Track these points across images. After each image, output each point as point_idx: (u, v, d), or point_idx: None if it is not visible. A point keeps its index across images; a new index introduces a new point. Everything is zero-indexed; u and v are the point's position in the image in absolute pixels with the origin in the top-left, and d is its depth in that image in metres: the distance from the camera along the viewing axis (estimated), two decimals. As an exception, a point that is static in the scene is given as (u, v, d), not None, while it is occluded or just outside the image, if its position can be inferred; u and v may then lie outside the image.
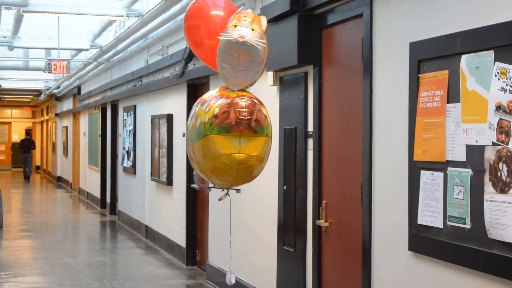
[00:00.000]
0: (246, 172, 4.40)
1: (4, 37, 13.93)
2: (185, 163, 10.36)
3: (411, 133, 4.61)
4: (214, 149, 4.27)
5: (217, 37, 4.32)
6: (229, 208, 8.38)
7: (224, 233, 8.68)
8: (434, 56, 4.39)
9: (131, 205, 14.88)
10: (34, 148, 33.90)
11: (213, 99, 4.43)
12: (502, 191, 3.78)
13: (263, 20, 4.50)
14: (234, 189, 4.85)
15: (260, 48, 4.30)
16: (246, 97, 4.32)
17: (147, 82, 12.72)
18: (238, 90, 4.45)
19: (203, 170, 4.59)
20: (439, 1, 4.42)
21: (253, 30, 4.29)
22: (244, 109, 4.22)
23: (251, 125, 4.23)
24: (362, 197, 5.32)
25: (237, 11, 4.55)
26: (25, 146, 32.86)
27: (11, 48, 14.39)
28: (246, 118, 4.21)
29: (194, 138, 4.48)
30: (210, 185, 4.93)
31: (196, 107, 4.61)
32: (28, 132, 35.99)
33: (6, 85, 25.43)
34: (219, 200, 4.92)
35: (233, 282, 5.04)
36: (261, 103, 4.44)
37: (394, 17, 4.94)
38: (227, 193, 4.87)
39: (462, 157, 4.11)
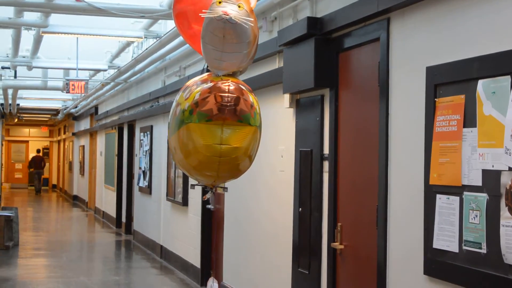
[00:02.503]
0: (230, 165, 3.94)
1: (24, 57, 14.03)
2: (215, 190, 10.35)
3: (427, 157, 4.60)
4: (193, 140, 3.84)
5: (200, 14, 3.90)
6: (243, 229, 8.38)
7: (239, 254, 8.66)
8: (451, 80, 4.39)
9: (147, 225, 14.89)
10: (44, 165, 35.85)
11: (195, 84, 4.02)
12: (519, 216, 3.77)
13: None
14: (221, 187, 4.43)
15: (247, 27, 3.87)
16: (229, 81, 3.89)
17: (164, 103, 12.76)
18: (223, 75, 4.01)
19: (183, 164, 4.14)
20: (456, 26, 4.43)
21: (239, 6, 3.87)
22: (226, 94, 3.79)
23: (235, 113, 3.78)
24: (377, 220, 5.31)
25: None
26: (36, 163, 35.19)
27: (30, 68, 14.49)
28: (229, 104, 3.77)
29: (174, 128, 4.05)
30: (193, 182, 4.49)
31: (178, 94, 4.20)
32: (38, 150, 37.76)
33: (24, 104, 25.58)
34: (204, 198, 4.65)
35: None
36: (250, 90, 4.05)
37: (411, 41, 4.95)
38: (212, 192, 4.46)
39: (478, 182, 4.10)
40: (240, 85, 3.96)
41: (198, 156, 3.86)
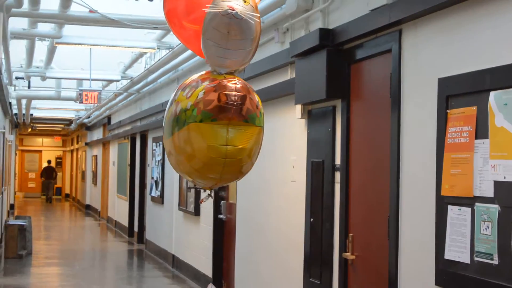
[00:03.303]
0: (234, 167, 3.70)
1: (37, 67, 14.10)
2: (213, 193, 10.35)
3: (438, 168, 4.59)
4: (197, 140, 3.59)
5: (203, 9, 3.64)
6: (255, 239, 8.38)
7: (250, 264, 8.66)
8: (463, 92, 4.38)
9: (159, 234, 14.90)
10: (56, 175, 37.25)
11: (196, 82, 3.80)
12: (530, 227, 3.76)
13: None
14: (217, 189, 4.15)
15: (253, 23, 3.66)
16: (235, 79, 3.69)
17: (176, 113, 12.77)
18: (226, 73, 3.81)
19: (183, 166, 3.88)
20: (468, 38, 4.43)
21: (245, 1, 3.65)
22: (233, 93, 3.56)
23: (241, 113, 3.56)
24: (389, 231, 5.30)
25: None
26: (48, 173, 36.48)
27: (43, 78, 14.56)
28: (235, 103, 3.54)
29: (172, 129, 3.80)
30: (190, 185, 4.22)
31: (175, 93, 3.97)
32: (49, 161, 38.51)
33: (38, 114, 25.68)
34: (201, 202, 4.25)
35: None
36: (252, 89, 3.85)
37: (423, 53, 4.95)
38: (209, 195, 4.26)
39: (490, 193, 4.09)
40: (246, 84, 3.79)
41: (202, 158, 3.62)
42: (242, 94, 3.54)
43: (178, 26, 4.11)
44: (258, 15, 3.75)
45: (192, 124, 3.57)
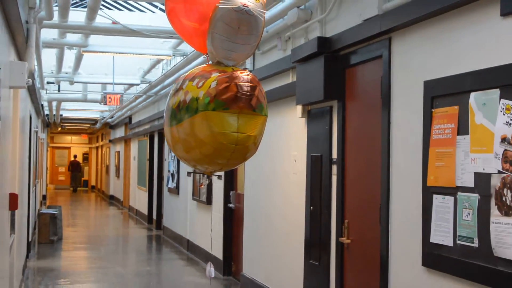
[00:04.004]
0: (241, 153, 3.53)
1: (66, 73, 14.11)
2: (223, 184, 10.38)
3: (424, 161, 4.59)
4: (208, 127, 3.41)
5: (217, 5, 3.47)
6: (261, 225, 8.38)
7: (257, 248, 8.66)
8: (446, 93, 4.38)
9: (175, 221, 14.91)
10: (81, 168, 38.33)
11: (205, 73, 3.59)
12: (507, 214, 3.75)
13: None
14: (216, 175, 4.05)
15: (261, 19, 3.51)
16: (247, 71, 3.49)
17: (190, 113, 12.75)
18: (233, 66, 3.65)
19: (189, 153, 3.68)
20: (450, 45, 4.42)
21: None
22: (247, 84, 3.38)
23: (251, 102, 3.40)
24: (380, 218, 5.30)
25: None
26: (74, 166, 37.63)
27: (71, 82, 14.57)
28: (248, 93, 3.38)
29: (181, 116, 3.60)
30: (190, 170, 4.01)
31: (181, 84, 3.74)
32: (75, 155, 39.44)
33: (66, 115, 25.71)
34: (200, 186, 4.23)
35: (213, 275, 4.54)
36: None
37: (410, 59, 4.94)
38: (209, 179, 4.10)
39: (471, 183, 4.09)
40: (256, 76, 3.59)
41: (213, 144, 3.44)
42: (253, 85, 3.40)
43: (179, 24, 3.98)
44: (265, 11, 3.65)
45: (205, 112, 3.39)
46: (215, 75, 3.47)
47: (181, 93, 3.64)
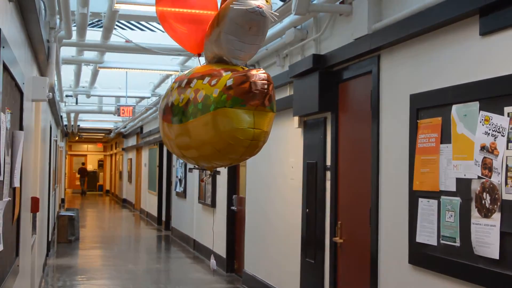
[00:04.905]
0: (253, 149, 3.33)
1: (83, 87, 14.11)
2: (226, 189, 10.37)
3: (411, 168, 4.59)
4: (227, 123, 3.19)
5: (231, 5, 3.27)
6: (261, 226, 8.37)
7: (257, 247, 8.65)
8: (430, 105, 4.39)
9: (182, 223, 14.90)
10: (87, 173, 38.86)
11: (215, 72, 3.38)
12: (486, 216, 3.75)
13: None
14: (216, 171, 3.84)
15: (270, 21, 3.33)
16: (261, 69, 3.27)
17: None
18: (242, 66, 3.47)
19: (199, 149, 3.45)
20: (434, 61, 4.44)
21: (267, 1, 3.30)
22: (263, 81, 3.17)
23: (266, 99, 3.20)
24: (370, 219, 5.30)
25: None
26: (82, 172, 38.41)
27: (88, 96, 14.57)
28: (265, 90, 3.16)
29: (191, 114, 3.38)
30: (191, 166, 3.71)
31: (186, 82, 3.52)
32: (83, 163, 40.26)
33: (83, 125, 25.69)
34: (201, 181, 3.95)
35: (215, 268, 4.36)
36: None
37: (397, 74, 4.95)
38: (210, 174, 3.91)
39: (453, 188, 4.09)
40: None
41: (230, 139, 3.23)
42: (269, 82, 3.19)
43: (170, 28, 3.88)
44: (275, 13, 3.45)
45: (222, 109, 3.18)
46: (227, 73, 3.30)
47: (189, 91, 3.44)
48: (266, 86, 3.15)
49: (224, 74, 3.30)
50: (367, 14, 5.27)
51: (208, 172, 3.84)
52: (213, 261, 4.67)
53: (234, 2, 3.24)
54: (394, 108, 4.96)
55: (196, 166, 3.73)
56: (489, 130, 3.74)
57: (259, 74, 3.16)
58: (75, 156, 40.92)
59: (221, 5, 3.42)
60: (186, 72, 3.70)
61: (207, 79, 3.35)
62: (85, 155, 41.47)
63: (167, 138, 3.76)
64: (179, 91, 3.52)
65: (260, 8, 3.20)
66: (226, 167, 3.84)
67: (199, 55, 3.92)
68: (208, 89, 3.28)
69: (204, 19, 3.78)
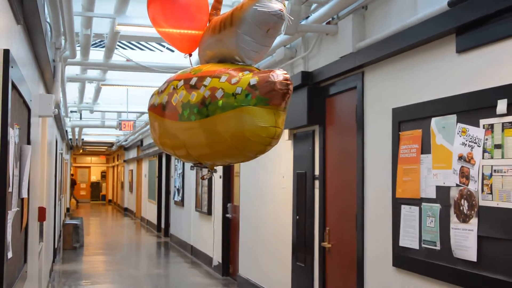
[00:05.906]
0: (270, 146, 3.15)
1: (87, 103, 14.10)
2: (221, 198, 10.35)
3: (393, 177, 4.60)
4: (249, 121, 3.03)
5: (253, 7, 3.12)
6: (254, 232, 8.35)
7: (251, 252, 8.63)
8: (411, 118, 4.40)
9: (180, 230, 14.85)
10: (75, 183, 37.85)
11: (229, 70, 3.20)
12: (464, 221, 3.76)
13: None
14: (216, 169, 3.67)
15: (285, 24, 3.18)
16: (281, 69, 3.12)
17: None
18: (252, 66, 3.32)
19: (212, 146, 3.25)
20: (414, 78, 4.45)
21: (284, 5, 3.18)
22: (286, 81, 3.02)
23: (286, 99, 3.05)
24: (356, 225, 5.30)
25: None
26: (71, 183, 37.19)
27: (91, 111, 14.55)
28: (288, 90, 3.03)
29: (208, 111, 3.15)
30: (192, 164, 3.67)
31: (196, 81, 3.29)
32: (72, 174, 38.94)
33: (87, 139, 25.64)
34: (202, 178, 3.65)
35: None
36: None
37: (380, 89, 4.97)
38: (211, 172, 3.71)
39: (433, 195, 4.10)
40: None
41: (251, 136, 3.05)
42: (290, 82, 3.05)
43: (161, 29, 3.77)
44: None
45: (246, 107, 3.02)
46: (246, 72, 3.14)
47: (203, 89, 3.21)
48: (288, 86, 3.03)
49: (242, 73, 3.15)
50: (351, 33, 5.29)
51: (209, 170, 3.69)
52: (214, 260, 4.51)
53: (256, 4, 3.10)
54: (378, 121, 4.98)
55: (197, 164, 3.59)
56: (466, 141, 3.75)
57: (282, 74, 3.04)
58: (79, 167, 40.79)
59: (237, 7, 3.26)
60: (185, 71, 3.54)
61: (224, 77, 3.16)
62: (89, 167, 41.32)
63: (164, 134, 3.57)
64: (188, 89, 3.32)
65: (282, 11, 3.08)
66: (222, 168, 3.61)
67: (190, 55, 3.83)
68: (229, 88, 3.09)
69: (197, 21, 3.70)
